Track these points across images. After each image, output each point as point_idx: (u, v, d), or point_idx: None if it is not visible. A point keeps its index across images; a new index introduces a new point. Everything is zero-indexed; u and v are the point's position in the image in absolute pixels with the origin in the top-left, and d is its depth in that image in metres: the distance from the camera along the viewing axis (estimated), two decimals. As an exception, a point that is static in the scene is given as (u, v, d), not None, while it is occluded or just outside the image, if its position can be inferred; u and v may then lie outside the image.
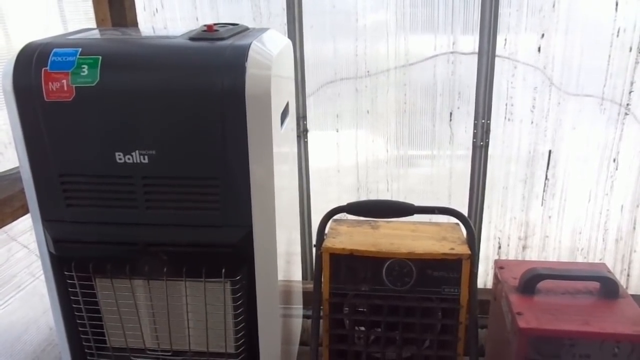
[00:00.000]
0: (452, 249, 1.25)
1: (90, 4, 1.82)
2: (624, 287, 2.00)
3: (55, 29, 1.79)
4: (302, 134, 1.98)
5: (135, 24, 1.84)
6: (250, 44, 1.07)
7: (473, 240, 1.28)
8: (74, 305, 1.23)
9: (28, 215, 1.38)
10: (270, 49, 1.12)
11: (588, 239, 1.99)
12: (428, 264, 1.24)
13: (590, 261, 2.00)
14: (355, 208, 1.29)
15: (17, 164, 1.44)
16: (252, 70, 1.04)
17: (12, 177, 1.42)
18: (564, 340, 1.13)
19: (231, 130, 1.06)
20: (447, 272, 1.24)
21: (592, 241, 1.99)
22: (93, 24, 1.82)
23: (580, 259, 2.01)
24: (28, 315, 1.66)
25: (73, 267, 1.18)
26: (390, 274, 1.26)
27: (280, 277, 1.26)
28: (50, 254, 1.19)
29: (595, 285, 1.25)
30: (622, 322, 1.13)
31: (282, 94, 1.25)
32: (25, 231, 1.64)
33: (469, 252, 1.24)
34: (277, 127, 1.16)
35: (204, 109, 1.05)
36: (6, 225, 1.40)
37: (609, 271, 1.31)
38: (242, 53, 1.05)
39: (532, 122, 1.87)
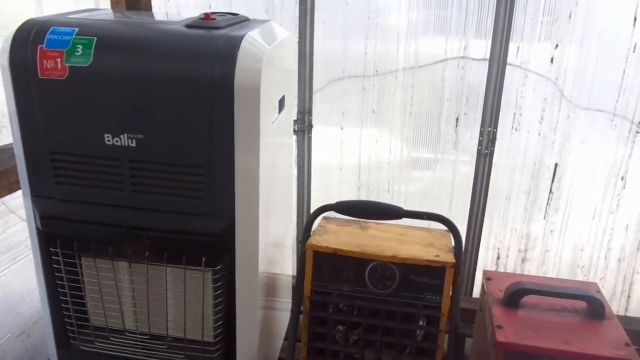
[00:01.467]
0: (437, 255, 1.23)
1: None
2: (624, 308, 1.96)
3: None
4: (306, 129, 1.98)
5: (149, 9, 1.85)
6: (245, 34, 1.07)
7: (460, 248, 1.26)
8: (58, 282, 1.24)
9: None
10: (265, 41, 1.12)
11: (590, 256, 1.94)
12: (411, 269, 1.23)
13: (590, 279, 1.95)
14: (343, 207, 1.28)
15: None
16: (242, 61, 1.03)
17: (12, 151, 1.45)
18: (542, 358, 1.11)
19: (218, 120, 1.06)
20: (430, 278, 1.22)
21: (594, 259, 1.94)
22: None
23: (580, 276, 1.97)
24: (22, 287, 1.69)
25: (58, 245, 1.20)
26: (372, 276, 1.25)
27: (264, 269, 1.26)
28: (38, 229, 1.21)
29: (582, 304, 1.22)
30: (604, 344, 1.10)
31: (276, 87, 1.24)
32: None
33: (454, 260, 1.22)
34: (267, 120, 1.15)
35: (192, 96, 1.05)
36: (3, 197, 1.43)
37: (598, 291, 1.28)
38: (234, 43, 1.04)
39: (539, 134, 1.83)
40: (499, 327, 1.16)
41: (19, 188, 1.40)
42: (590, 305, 1.20)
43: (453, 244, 1.30)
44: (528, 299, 1.24)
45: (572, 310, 1.22)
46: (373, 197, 2.04)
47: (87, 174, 1.15)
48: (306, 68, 1.91)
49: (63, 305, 1.27)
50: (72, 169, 1.15)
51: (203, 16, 1.14)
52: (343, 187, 2.05)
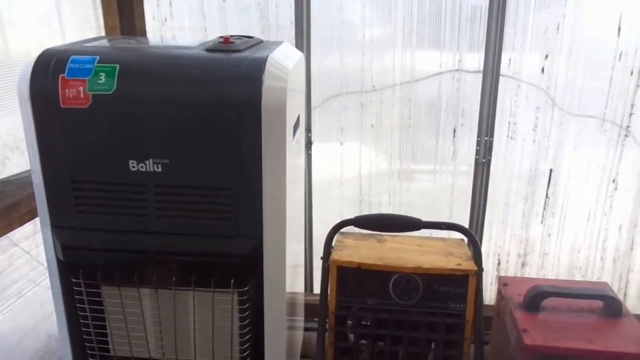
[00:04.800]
0: (459, 264, 1.26)
1: (91, 10, 1.83)
2: (623, 306, 2.03)
3: (55, 35, 1.78)
4: (306, 146, 1.99)
5: (144, 32, 1.85)
6: (267, 56, 1.08)
7: (479, 256, 1.29)
8: (80, 313, 1.22)
9: (30, 221, 1.37)
10: (286, 62, 1.14)
11: (586, 257, 2.01)
12: (435, 279, 1.25)
13: (587, 279, 2.02)
14: (363, 221, 1.30)
15: (23, 169, 1.44)
16: (268, 82, 1.05)
17: (19, 182, 1.42)
18: (568, 358, 1.14)
19: (246, 142, 1.07)
20: (454, 287, 1.25)
21: (591, 260, 2.01)
22: (94, 32, 1.82)
23: (578, 277, 2.03)
24: (27, 322, 1.64)
25: (81, 275, 1.17)
26: (397, 287, 1.26)
27: (289, 289, 1.27)
28: (58, 260, 1.19)
29: (598, 303, 1.27)
30: (626, 341, 1.15)
31: (295, 107, 1.26)
32: (28, 237, 1.62)
33: (476, 268, 1.25)
34: (289, 139, 1.17)
35: (220, 119, 1.06)
36: (11, 231, 1.39)
37: (611, 290, 1.33)
38: (259, 65, 1.06)
39: (534, 141, 1.89)
40: (524, 330, 1.19)
41: (29, 219, 1.38)
42: (608, 305, 1.24)
43: (471, 251, 1.33)
44: (546, 301, 1.28)
45: (590, 310, 1.26)
46: (374, 210, 2.07)
47: (110, 202, 1.14)
48: (304, 86, 1.93)
49: (85, 337, 1.24)
50: (95, 197, 1.14)
51: (222, 40, 1.16)
52: (344, 201, 2.07)
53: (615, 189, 1.91)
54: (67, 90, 1.06)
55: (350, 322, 1.33)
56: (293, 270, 1.41)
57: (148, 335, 1.24)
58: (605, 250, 1.98)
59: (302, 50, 1.89)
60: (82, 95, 1.06)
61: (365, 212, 2.08)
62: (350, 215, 1.43)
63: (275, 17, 1.90)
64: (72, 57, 1.08)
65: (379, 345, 1.32)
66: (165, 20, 1.96)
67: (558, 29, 1.76)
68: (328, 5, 1.88)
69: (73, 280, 1.18)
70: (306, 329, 1.87)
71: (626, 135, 1.84)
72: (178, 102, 1.05)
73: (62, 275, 1.20)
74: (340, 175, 2.05)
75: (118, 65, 1.06)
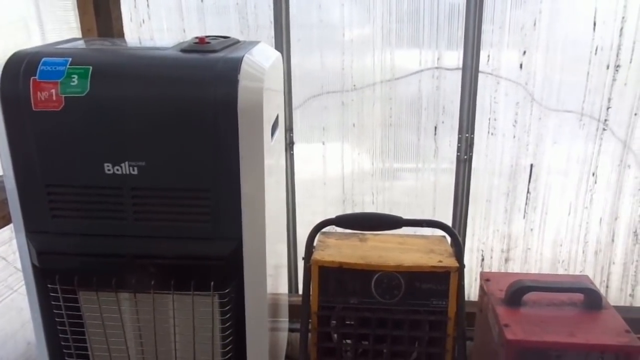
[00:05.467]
0: (440, 261, 1.26)
1: (70, 13, 1.81)
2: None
3: (35, 38, 1.76)
4: (288, 146, 1.98)
5: (121, 34, 1.83)
6: (243, 56, 1.07)
7: (460, 253, 1.29)
8: (57, 319, 1.19)
9: (6, 227, 1.35)
10: (262, 62, 1.13)
11: (568, 251, 2.03)
12: (416, 277, 1.25)
13: (570, 273, 2.04)
14: (344, 221, 1.30)
15: (-2, 174, 1.41)
16: (244, 82, 1.04)
17: (-7, 188, 1.39)
18: (550, 352, 1.15)
19: (223, 142, 1.06)
20: (436, 284, 1.25)
21: (573, 253, 2.03)
22: (74, 34, 1.80)
23: (561, 271, 2.05)
24: (5, 330, 1.61)
25: (57, 280, 1.15)
26: (379, 286, 1.26)
27: (270, 290, 1.26)
28: (34, 266, 1.16)
29: (579, 297, 1.28)
30: (607, 333, 1.16)
31: (273, 107, 1.25)
32: (4, 243, 1.60)
33: (457, 264, 1.25)
34: (267, 139, 1.16)
35: (196, 120, 1.05)
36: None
37: (592, 283, 1.34)
38: (234, 66, 1.05)
39: (514, 137, 1.91)
40: (506, 325, 1.20)
41: (4, 225, 1.35)
42: (588, 297, 1.25)
43: (452, 248, 1.33)
44: (528, 296, 1.28)
45: (570, 304, 1.27)
46: (358, 209, 2.07)
47: (86, 205, 1.12)
48: (285, 86, 1.92)
49: (63, 343, 1.22)
50: (70, 201, 1.12)
51: (197, 40, 1.15)
52: (328, 201, 2.06)
53: (595, 183, 1.93)
54: (39, 93, 1.04)
55: (333, 322, 1.32)
56: (275, 271, 1.40)
57: (128, 340, 1.22)
58: (587, 244, 2.00)
59: (281, 50, 1.88)
60: (54, 98, 1.04)
61: (349, 212, 2.08)
62: (334, 215, 1.43)
63: (255, 17, 1.89)
64: (44, 59, 1.06)
65: (362, 344, 1.32)
66: (143, 21, 1.94)
67: (535, 25, 1.78)
68: (307, 5, 1.88)
69: (49, 286, 1.16)
70: (291, 330, 1.86)
71: (604, 129, 1.86)
72: (153, 103, 1.04)
73: (38, 281, 1.18)
74: (323, 175, 2.04)
75: (91, 67, 1.05)
